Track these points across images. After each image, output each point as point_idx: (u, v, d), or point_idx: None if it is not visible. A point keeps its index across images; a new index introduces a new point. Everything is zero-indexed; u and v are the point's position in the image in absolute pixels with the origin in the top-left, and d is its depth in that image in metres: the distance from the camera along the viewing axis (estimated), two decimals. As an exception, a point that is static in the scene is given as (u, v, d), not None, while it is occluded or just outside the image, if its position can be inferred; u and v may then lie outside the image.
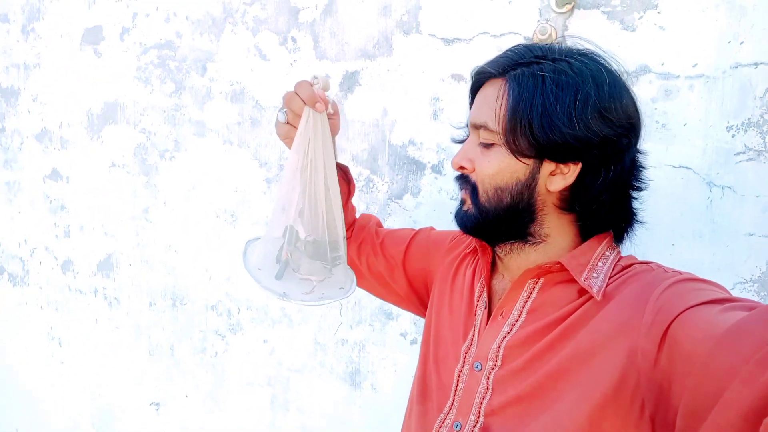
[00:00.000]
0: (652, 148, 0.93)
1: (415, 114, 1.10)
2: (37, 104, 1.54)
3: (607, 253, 0.59)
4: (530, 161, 0.56)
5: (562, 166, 0.56)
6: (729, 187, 0.89)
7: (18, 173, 1.62)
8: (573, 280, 0.56)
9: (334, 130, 0.72)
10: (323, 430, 1.28)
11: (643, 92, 0.92)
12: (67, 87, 1.49)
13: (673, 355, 0.45)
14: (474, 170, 0.60)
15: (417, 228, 0.87)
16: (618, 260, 0.59)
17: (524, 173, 0.57)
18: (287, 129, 0.69)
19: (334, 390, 1.25)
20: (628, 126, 0.56)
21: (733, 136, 0.88)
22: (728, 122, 0.88)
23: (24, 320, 1.67)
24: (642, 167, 0.61)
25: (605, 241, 0.60)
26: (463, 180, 0.61)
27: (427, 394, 0.67)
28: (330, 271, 0.69)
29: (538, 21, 0.96)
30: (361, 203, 1.17)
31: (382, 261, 0.83)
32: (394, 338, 1.18)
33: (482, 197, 0.59)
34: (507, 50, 0.60)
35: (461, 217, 0.62)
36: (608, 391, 0.49)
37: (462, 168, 0.61)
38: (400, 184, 1.13)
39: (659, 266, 0.55)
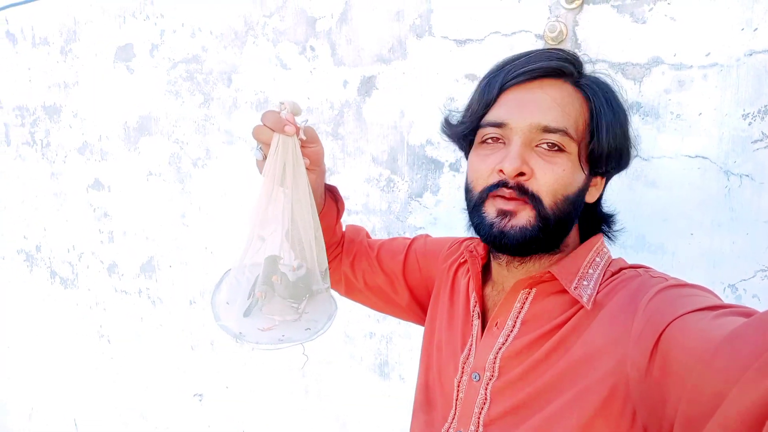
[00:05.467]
0: (667, 139, 0.94)
1: (431, 114, 1.12)
2: (78, 120, 1.64)
3: (598, 258, 0.59)
4: (587, 171, 0.57)
5: (596, 179, 0.59)
6: (747, 176, 0.89)
7: (63, 184, 1.73)
8: (565, 290, 0.56)
9: (318, 157, 0.67)
10: (355, 419, 1.33)
11: (656, 84, 0.92)
12: (104, 102, 1.57)
13: (666, 364, 0.44)
14: (532, 177, 0.54)
15: (412, 237, 0.85)
16: (608, 265, 0.58)
17: (583, 183, 0.57)
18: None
19: (364, 380, 1.30)
20: None
21: (749, 124, 0.88)
22: (744, 110, 0.88)
23: (76, 320, 1.80)
24: None
25: (596, 246, 0.60)
26: (520, 189, 0.54)
27: (432, 403, 0.66)
28: (297, 311, 0.63)
29: (548, 18, 0.98)
30: (383, 202, 1.22)
31: (380, 274, 0.80)
32: (419, 330, 1.20)
33: (550, 207, 0.54)
34: (552, 50, 0.57)
35: (510, 232, 0.54)
36: (599, 401, 0.49)
37: (520, 174, 0.54)
38: (420, 183, 1.17)
39: (646, 271, 0.55)
